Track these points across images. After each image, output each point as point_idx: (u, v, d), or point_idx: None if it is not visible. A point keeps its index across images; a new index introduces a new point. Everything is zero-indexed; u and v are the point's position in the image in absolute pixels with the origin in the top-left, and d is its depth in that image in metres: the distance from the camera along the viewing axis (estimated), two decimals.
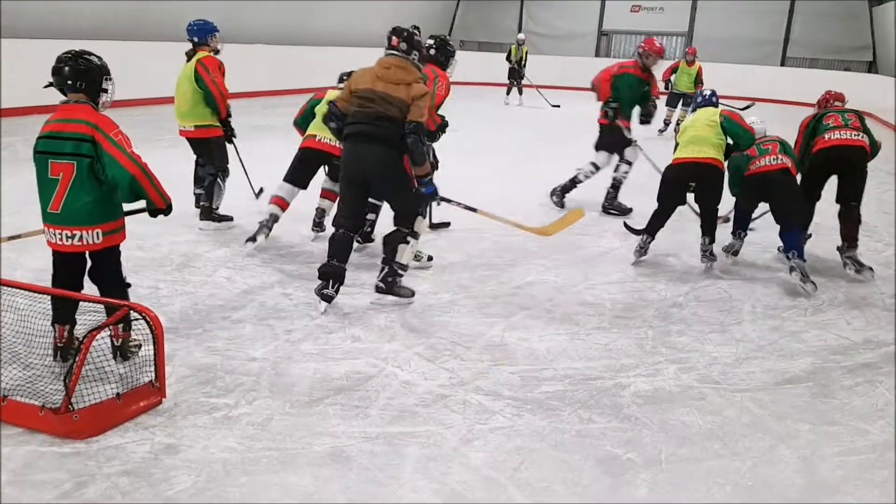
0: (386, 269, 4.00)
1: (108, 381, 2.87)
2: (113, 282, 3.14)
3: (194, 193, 5.42)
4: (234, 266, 4.53)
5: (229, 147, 5.46)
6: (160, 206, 3.10)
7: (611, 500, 2.41)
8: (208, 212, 5.31)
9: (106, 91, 3.03)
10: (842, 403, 3.13)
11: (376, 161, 3.83)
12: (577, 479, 2.50)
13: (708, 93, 5.33)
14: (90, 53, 3.04)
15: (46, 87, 3.02)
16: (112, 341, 3.13)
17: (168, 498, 2.30)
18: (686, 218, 6.40)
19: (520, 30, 23.33)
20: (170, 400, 2.88)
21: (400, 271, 4.01)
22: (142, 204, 3.11)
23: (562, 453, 2.66)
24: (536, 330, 3.79)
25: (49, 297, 3.05)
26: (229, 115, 5.34)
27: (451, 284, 4.41)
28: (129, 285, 3.23)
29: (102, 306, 3.02)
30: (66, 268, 3.09)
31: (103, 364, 2.91)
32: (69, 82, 2.95)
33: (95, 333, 2.66)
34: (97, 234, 2.98)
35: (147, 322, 2.77)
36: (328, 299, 3.89)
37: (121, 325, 3.06)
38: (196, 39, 5.20)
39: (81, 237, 2.96)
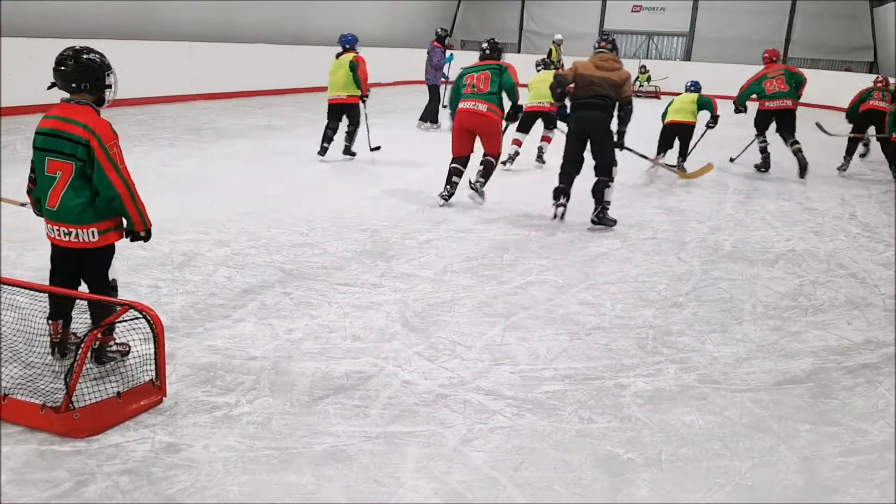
0: (598, 209, 5.82)
1: (108, 379, 2.87)
2: (101, 280, 3.11)
3: (322, 146, 8.09)
4: (235, 265, 4.53)
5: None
6: (138, 230, 3.04)
7: (611, 500, 2.41)
8: (348, 149, 8.30)
9: (109, 87, 3.01)
10: (842, 404, 3.13)
11: (597, 123, 5.75)
12: (577, 479, 2.50)
13: (689, 83, 8.73)
14: (90, 50, 2.98)
15: (50, 87, 2.99)
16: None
17: (168, 497, 2.30)
18: (687, 217, 6.42)
19: (520, 30, 23.36)
20: (170, 399, 2.88)
21: (606, 206, 5.82)
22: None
23: (562, 453, 2.66)
24: (537, 330, 3.79)
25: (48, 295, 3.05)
26: (368, 92, 8.16)
27: (452, 284, 4.41)
28: (114, 288, 3.19)
29: (97, 304, 2.99)
30: (64, 264, 3.08)
31: (110, 363, 2.91)
32: (73, 85, 2.91)
33: (97, 332, 2.66)
34: (93, 232, 2.97)
35: (148, 321, 2.77)
36: (561, 206, 5.99)
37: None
38: (348, 46, 8.10)
39: (77, 235, 2.96)
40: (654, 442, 2.76)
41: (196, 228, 5.24)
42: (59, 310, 3.09)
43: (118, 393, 2.72)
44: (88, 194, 2.93)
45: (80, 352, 2.60)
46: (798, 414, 3.02)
